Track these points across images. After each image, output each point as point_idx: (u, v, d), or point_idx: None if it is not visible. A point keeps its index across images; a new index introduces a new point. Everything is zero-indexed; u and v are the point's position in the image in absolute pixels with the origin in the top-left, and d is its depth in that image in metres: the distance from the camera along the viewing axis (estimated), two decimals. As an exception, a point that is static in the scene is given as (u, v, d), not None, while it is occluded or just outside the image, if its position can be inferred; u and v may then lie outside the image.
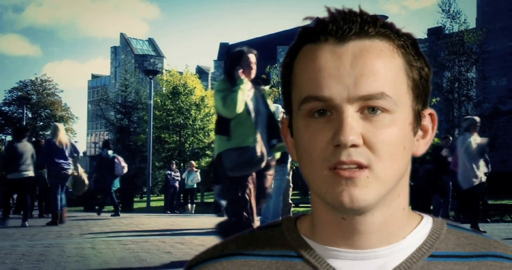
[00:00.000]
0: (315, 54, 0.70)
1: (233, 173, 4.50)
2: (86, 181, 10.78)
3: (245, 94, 4.55)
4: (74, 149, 10.08)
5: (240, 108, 4.48)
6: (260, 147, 4.55)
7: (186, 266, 0.81)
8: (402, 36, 0.72)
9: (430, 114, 0.77)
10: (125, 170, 13.87)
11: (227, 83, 4.63)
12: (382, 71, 0.69)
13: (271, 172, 4.85)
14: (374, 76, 0.68)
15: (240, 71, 4.62)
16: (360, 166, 0.68)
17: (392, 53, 0.70)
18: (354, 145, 0.67)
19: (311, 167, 0.70)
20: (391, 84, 0.69)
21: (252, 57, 4.74)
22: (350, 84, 0.68)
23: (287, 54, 0.75)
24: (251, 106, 4.64)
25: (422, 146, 0.76)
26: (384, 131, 0.68)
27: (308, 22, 0.73)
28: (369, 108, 0.68)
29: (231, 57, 4.89)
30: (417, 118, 0.73)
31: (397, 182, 0.71)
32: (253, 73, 4.76)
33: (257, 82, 4.85)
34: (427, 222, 0.78)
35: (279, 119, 8.76)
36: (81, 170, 10.61)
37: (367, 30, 0.70)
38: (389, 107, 0.68)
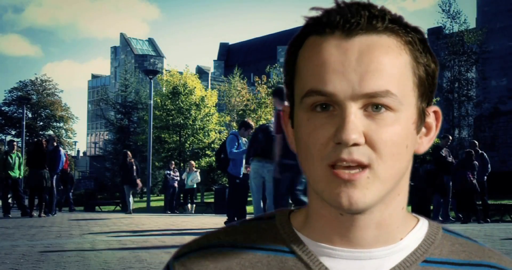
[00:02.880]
0: (320, 47, 0.68)
1: None
2: None
3: None
4: None
5: None
6: None
7: (174, 254, 0.78)
8: (411, 31, 0.70)
9: (435, 112, 0.75)
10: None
11: None
12: (388, 68, 0.67)
13: None
14: (380, 73, 0.66)
15: None
16: (361, 165, 0.66)
17: (400, 50, 0.68)
18: (355, 144, 0.65)
19: (310, 163, 0.68)
20: (396, 82, 0.67)
21: None
22: (355, 81, 0.66)
23: (291, 43, 0.73)
24: None
25: (425, 144, 0.74)
26: (387, 130, 0.66)
27: (315, 12, 0.71)
28: (373, 105, 0.67)
29: None
30: (421, 116, 0.72)
31: (398, 181, 0.70)
32: None
33: None
34: (423, 225, 0.76)
35: None
36: None
37: (375, 25, 0.68)
38: (393, 106, 0.67)
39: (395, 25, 0.69)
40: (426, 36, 0.72)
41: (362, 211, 0.68)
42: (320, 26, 0.69)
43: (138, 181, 16.31)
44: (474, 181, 12.61)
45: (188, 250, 0.77)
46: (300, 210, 0.78)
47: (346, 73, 0.66)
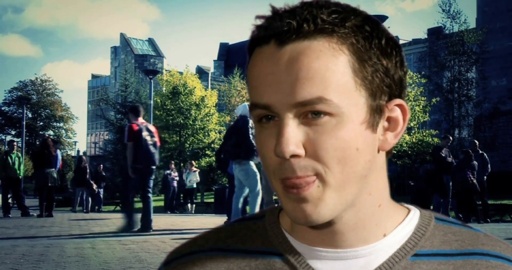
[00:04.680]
0: (258, 58, 0.68)
1: None
2: None
3: None
4: None
5: None
6: None
7: (164, 260, 0.79)
8: (353, 30, 0.66)
9: (399, 105, 0.71)
10: None
11: None
12: (321, 73, 0.64)
13: None
14: (310, 80, 0.64)
15: None
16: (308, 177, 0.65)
17: (334, 51, 0.65)
18: (295, 155, 0.64)
19: (268, 175, 0.69)
20: (332, 87, 0.64)
21: None
22: (287, 91, 0.64)
23: (248, 55, 0.72)
24: None
25: (389, 140, 0.71)
26: (328, 137, 0.64)
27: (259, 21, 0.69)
28: (312, 112, 0.65)
29: None
30: (375, 114, 0.68)
31: (358, 185, 0.68)
32: None
33: None
34: (413, 216, 0.75)
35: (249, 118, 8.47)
36: None
37: (305, 29, 0.65)
38: (331, 111, 0.64)
39: (330, 25, 0.65)
40: (374, 27, 0.68)
41: (323, 222, 0.68)
42: (258, 37, 0.68)
43: (93, 183, 17.73)
44: (475, 181, 12.62)
45: (177, 255, 0.78)
46: None
47: (278, 84, 0.65)
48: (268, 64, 0.66)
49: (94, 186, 17.67)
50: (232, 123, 34.43)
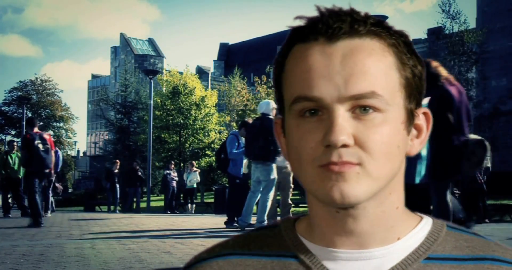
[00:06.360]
0: (305, 53, 0.70)
1: None
2: None
3: None
4: None
5: None
6: None
7: (184, 265, 0.81)
8: (394, 34, 0.71)
9: (425, 113, 0.75)
10: None
11: None
12: (373, 70, 0.68)
13: None
14: (365, 75, 0.67)
15: None
16: (351, 164, 0.67)
17: (383, 52, 0.69)
18: (344, 145, 0.66)
19: (302, 166, 0.70)
20: (382, 83, 0.68)
21: None
22: (341, 84, 0.67)
23: (278, 54, 0.75)
24: None
25: (416, 146, 0.75)
26: (376, 130, 0.67)
27: (299, 22, 0.72)
28: (361, 107, 0.68)
29: None
30: (410, 117, 0.72)
31: (390, 180, 0.71)
32: None
33: None
34: (426, 223, 0.77)
35: (271, 116, 8.48)
36: None
37: (357, 28, 0.69)
38: (380, 106, 0.68)
39: (378, 28, 0.70)
40: (410, 39, 0.73)
41: (354, 205, 0.70)
42: (304, 34, 0.71)
43: (58, 185, 17.89)
44: (483, 181, 12.66)
45: (197, 260, 0.80)
46: (305, 217, 0.81)
47: (331, 77, 0.67)
48: (320, 58, 0.69)
49: (59, 188, 17.59)
50: (232, 122, 33.94)
